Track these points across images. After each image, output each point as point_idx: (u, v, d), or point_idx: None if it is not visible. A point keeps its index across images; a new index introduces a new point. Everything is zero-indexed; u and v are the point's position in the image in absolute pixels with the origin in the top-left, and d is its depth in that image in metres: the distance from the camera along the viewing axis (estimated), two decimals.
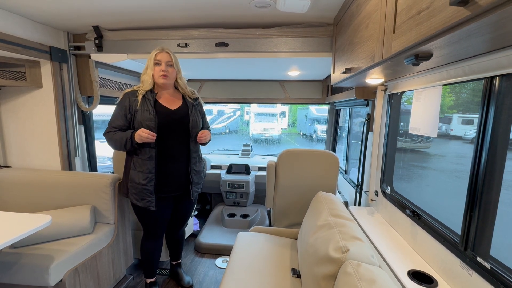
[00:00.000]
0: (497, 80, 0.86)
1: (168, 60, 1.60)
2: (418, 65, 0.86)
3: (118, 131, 1.58)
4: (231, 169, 3.21)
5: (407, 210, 1.35)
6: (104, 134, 1.62)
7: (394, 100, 1.61)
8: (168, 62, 1.60)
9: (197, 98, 1.78)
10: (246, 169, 3.19)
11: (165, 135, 1.60)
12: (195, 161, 1.72)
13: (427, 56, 0.81)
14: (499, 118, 0.86)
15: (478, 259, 0.91)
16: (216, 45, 1.88)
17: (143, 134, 1.47)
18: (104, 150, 2.79)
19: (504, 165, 0.87)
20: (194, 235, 2.76)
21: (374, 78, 1.45)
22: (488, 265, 0.87)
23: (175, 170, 1.67)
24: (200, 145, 1.77)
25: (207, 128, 1.90)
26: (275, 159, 2.16)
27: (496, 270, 0.84)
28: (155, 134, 1.51)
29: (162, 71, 1.58)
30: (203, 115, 1.82)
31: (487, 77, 0.88)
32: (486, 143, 0.89)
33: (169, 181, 1.66)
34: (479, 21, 0.52)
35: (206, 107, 1.91)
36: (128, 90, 1.63)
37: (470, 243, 0.95)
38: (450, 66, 1.01)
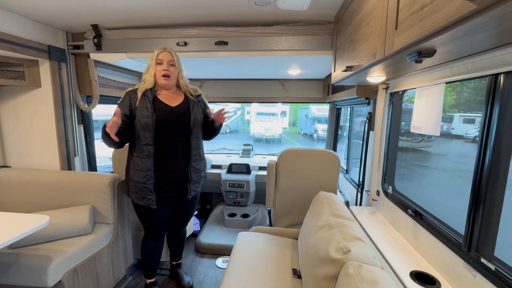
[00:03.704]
0: (501, 77, 0.84)
1: (170, 59, 1.59)
2: (421, 62, 0.85)
3: None
4: (231, 168, 3.20)
5: (409, 210, 1.33)
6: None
7: (396, 99, 1.59)
8: (170, 62, 1.60)
9: (199, 95, 1.76)
10: (246, 169, 3.18)
11: (163, 132, 1.59)
12: (195, 158, 1.70)
13: (430, 52, 0.79)
14: (503, 117, 0.85)
15: (482, 260, 0.89)
16: (216, 43, 1.86)
17: (109, 122, 1.37)
18: (104, 150, 2.79)
19: (509, 164, 0.85)
20: (194, 235, 2.74)
21: (376, 76, 1.43)
22: (492, 266, 0.85)
23: (175, 168, 1.65)
24: (203, 141, 1.77)
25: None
26: (275, 158, 2.14)
27: (501, 271, 0.82)
28: (119, 117, 1.40)
29: (164, 70, 1.57)
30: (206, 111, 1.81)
31: (492, 75, 0.87)
32: (491, 142, 0.88)
33: (168, 179, 1.65)
34: (485, 15, 0.50)
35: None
36: (129, 88, 1.64)
37: (474, 244, 0.93)
38: (453, 63, 1.00)
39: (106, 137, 1.45)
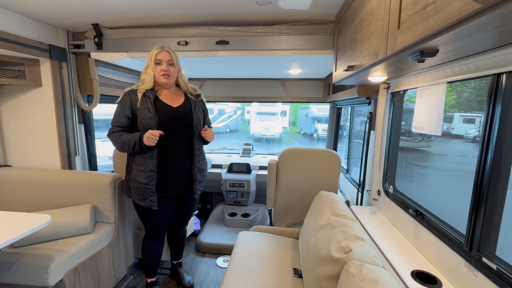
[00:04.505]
0: (504, 77, 0.84)
1: (169, 59, 1.58)
2: (423, 61, 0.85)
3: (123, 132, 1.56)
4: (232, 168, 3.20)
5: (410, 210, 1.33)
6: (109, 135, 1.59)
7: (397, 98, 1.59)
8: (169, 61, 1.58)
9: (199, 95, 1.76)
10: (247, 168, 3.17)
11: (166, 133, 1.58)
12: (198, 158, 1.70)
13: (433, 52, 0.79)
14: (506, 116, 0.85)
15: (484, 259, 0.89)
16: (217, 43, 1.86)
17: (149, 136, 1.46)
18: (104, 149, 2.79)
19: (511, 164, 0.85)
20: (195, 234, 2.74)
21: (377, 76, 1.43)
22: (494, 266, 0.85)
23: (178, 168, 1.65)
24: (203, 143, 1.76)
25: (209, 126, 1.88)
26: (276, 158, 2.14)
27: (502, 271, 0.82)
28: (159, 131, 1.48)
29: (164, 70, 1.56)
30: (205, 112, 1.81)
31: (494, 74, 0.87)
32: (492, 142, 0.88)
33: (171, 180, 1.64)
34: (489, 14, 0.50)
35: (206, 106, 1.89)
36: (128, 88, 1.62)
37: (475, 243, 0.94)
38: (455, 63, 1.00)
39: (138, 146, 1.51)
